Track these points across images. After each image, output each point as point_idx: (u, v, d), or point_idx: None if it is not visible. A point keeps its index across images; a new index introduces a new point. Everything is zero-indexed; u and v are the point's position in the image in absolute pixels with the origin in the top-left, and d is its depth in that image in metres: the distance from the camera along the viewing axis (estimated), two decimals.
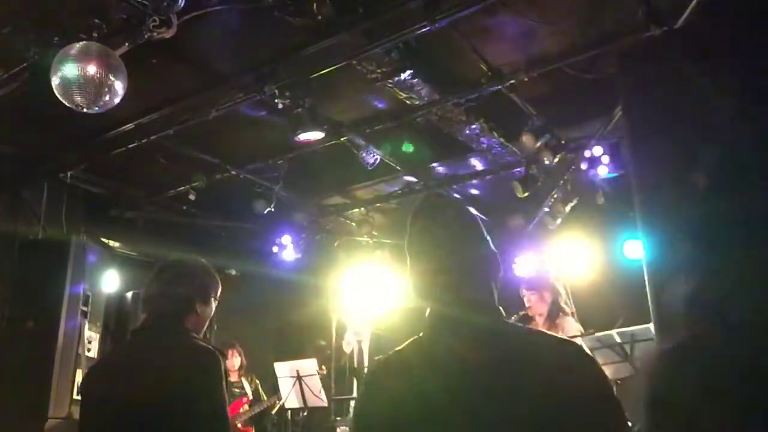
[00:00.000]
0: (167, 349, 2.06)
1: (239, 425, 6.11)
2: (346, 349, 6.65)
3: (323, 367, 6.19)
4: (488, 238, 1.44)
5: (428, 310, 1.38)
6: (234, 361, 6.38)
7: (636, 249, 4.39)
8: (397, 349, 1.44)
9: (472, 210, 1.52)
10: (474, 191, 6.73)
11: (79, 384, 4.75)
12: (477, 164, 6.16)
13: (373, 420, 1.32)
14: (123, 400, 1.97)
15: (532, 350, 1.30)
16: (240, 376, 6.38)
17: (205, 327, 2.28)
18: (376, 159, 5.58)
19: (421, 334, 1.40)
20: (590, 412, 1.20)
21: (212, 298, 2.25)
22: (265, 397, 6.35)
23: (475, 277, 1.38)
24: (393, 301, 6.59)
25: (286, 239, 7.03)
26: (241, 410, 6.14)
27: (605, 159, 5.07)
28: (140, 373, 2.01)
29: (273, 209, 6.35)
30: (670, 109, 2.51)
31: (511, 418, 1.19)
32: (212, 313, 2.28)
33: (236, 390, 6.29)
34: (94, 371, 2.31)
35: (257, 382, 6.48)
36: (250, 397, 6.32)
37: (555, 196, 5.98)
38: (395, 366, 1.35)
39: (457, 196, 6.48)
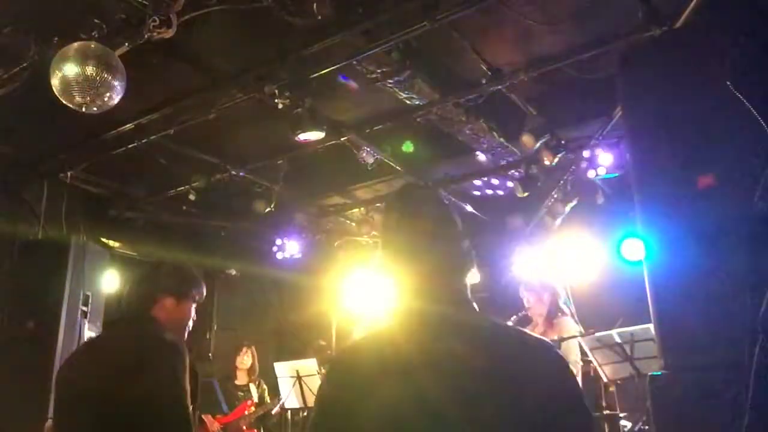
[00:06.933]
0: (125, 340, 2.11)
1: (244, 427, 6.15)
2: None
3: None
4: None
5: (417, 308, 1.34)
6: (245, 359, 6.42)
7: (635, 249, 4.38)
8: (365, 343, 1.42)
9: (446, 200, 1.50)
10: (474, 191, 6.73)
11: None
12: (477, 164, 6.16)
13: (373, 419, 1.28)
14: (82, 390, 2.02)
15: (527, 352, 1.30)
16: (249, 380, 6.40)
17: (185, 325, 2.29)
18: (376, 159, 5.58)
19: (389, 327, 1.37)
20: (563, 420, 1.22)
21: (186, 296, 2.27)
22: (269, 400, 6.38)
23: (462, 276, 1.38)
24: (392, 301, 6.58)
25: (286, 239, 7.03)
26: (246, 413, 6.18)
27: (605, 159, 5.07)
28: (97, 365, 2.06)
29: (273, 209, 6.35)
30: (670, 109, 2.51)
31: (511, 421, 1.19)
32: (191, 313, 2.31)
33: (241, 393, 6.31)
34: (64, 364, 2.35)
35: (264, 387, 6.51)
36: (255, 401, 6.34)
37: (555, 196, 5.98)
38: (392, 366, 1.28)
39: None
